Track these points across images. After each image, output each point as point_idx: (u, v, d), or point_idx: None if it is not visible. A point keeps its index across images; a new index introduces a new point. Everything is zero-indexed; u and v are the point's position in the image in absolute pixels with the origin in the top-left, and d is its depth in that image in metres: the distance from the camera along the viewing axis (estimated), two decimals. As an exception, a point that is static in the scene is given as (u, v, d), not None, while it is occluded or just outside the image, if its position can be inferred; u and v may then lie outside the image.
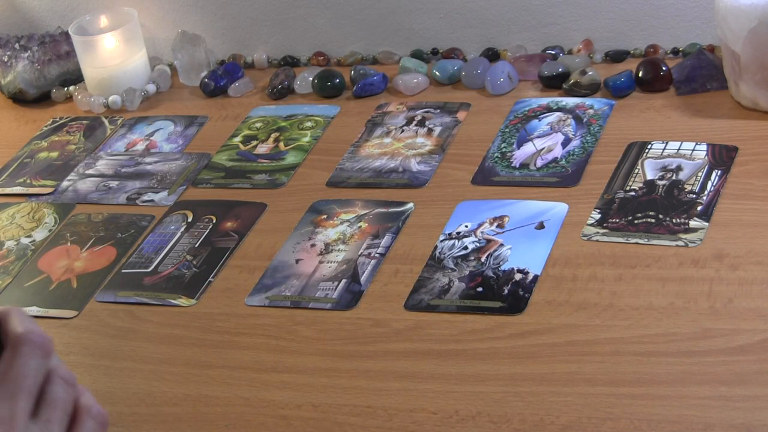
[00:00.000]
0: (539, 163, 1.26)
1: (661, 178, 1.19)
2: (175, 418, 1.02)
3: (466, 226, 1.18)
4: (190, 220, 1.29)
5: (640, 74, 1.36)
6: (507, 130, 1.34)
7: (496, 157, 1.29)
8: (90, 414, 0.75)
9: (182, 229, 1.27)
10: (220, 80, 1.56)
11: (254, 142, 1.42)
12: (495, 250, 1.14)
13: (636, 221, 1.13)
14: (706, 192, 1.15)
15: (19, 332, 0.72)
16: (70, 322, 1.17)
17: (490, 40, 1.52)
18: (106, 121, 1.55)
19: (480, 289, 1.09)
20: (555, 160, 1.26)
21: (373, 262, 1.16)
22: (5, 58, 1.61)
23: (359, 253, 1.17)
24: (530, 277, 1.09)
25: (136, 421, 1.03)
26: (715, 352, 0.96)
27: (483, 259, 1.13)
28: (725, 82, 1.31)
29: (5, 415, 0.69)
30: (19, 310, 0.73)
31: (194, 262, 1.21)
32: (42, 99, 1.63)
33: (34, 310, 1.19)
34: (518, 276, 1.09)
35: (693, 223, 1.11)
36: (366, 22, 1.56)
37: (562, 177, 1.23)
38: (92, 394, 1.06)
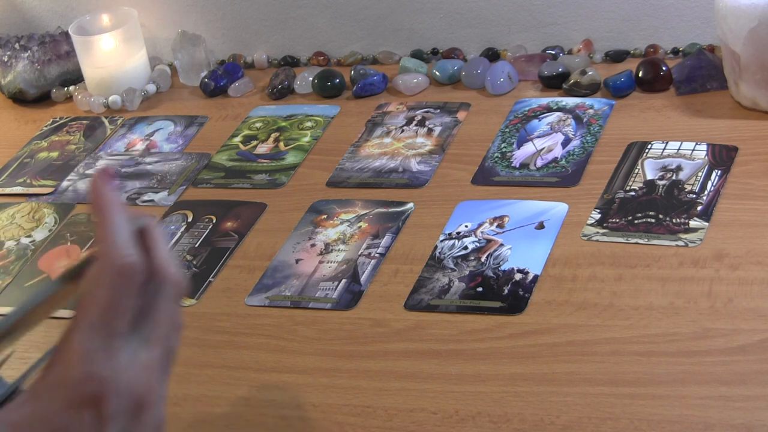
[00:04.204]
0: (539, 163, 1.26)
1: (661, 178, 1.19)
2: (175, 418, 1.02)
3: (466, 226, 1.18)
4: (190, 220, 1.29)
5: (640, 74, 1.36)
6: (507, 130, 1.34)
7: (496, 157, 1.29)
8: None
9: (182, 229, 1.27)
10: (220, 80, 1.56)
11: (254, 142, 1.42)
12: (495, 250, 1.13)
13: (636, 221, 1.13)
14: (706, 192, 1.15)
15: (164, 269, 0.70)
16: (70, 322, 1.17)
17: (490, 40, 1.52)
18: (106, 121, 1.54)
19: (480, 289, 1.09)
20: (555, 160, 1.26)
21: (373, 262, 1.16)
22: (5, 58, 1.61)
23: (359, 253, 1.17)
24: (530, 277, 1.09)
25: (136, 421, 1.02)
26: (715, 352, 0.96)
27: (483, 259, 1.13)
28: (725, 82, 1.31)
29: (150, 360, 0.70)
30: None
31: (194, 262, 1.21)
32: (42, 99, 1.63)
33: (34, 310, 1.19)
34: (518, 276, 1.09)
35: (693, 223, 1.11)
36: (366, 22, 1.56)
37: (562, 177, 1.23)
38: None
